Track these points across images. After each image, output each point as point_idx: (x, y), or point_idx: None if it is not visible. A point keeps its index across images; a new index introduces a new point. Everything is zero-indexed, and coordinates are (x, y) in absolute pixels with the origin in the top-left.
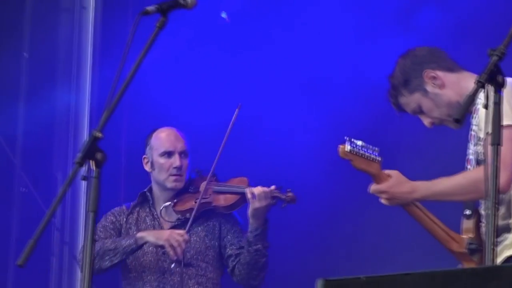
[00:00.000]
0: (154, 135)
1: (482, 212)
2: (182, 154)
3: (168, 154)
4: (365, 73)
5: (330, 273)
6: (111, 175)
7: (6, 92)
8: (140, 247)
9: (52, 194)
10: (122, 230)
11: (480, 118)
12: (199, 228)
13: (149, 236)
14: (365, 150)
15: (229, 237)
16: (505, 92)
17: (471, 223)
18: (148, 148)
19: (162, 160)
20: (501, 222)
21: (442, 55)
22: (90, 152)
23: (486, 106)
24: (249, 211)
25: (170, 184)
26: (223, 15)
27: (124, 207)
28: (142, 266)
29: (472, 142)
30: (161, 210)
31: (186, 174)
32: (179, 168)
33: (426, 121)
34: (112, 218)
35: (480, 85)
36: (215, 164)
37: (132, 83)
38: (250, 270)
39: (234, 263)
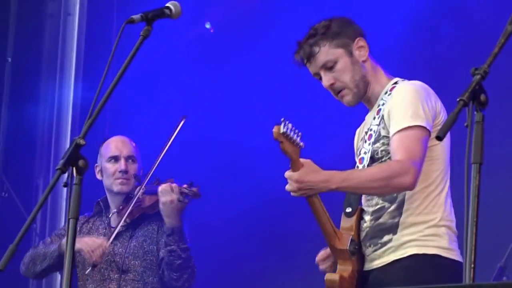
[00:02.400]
0: (104, 143)
1: (365, 208)
2: (129, 159)
3: (114, 158)
4: None
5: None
6: (92, 182)
7: None
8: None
9: (33, 199)
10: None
11: (386, 119)
12: (140, 233)
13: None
14: (293, 133)
15: (163, 240)
16: (417, 93)
17: (353, 220)
18: (99, 156)
19: (108, 165)
20: (388, 221)
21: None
22: (72, 159)
23: (468, 125)
24: (160, 208)
25: (116, 187)
26: (207, 25)
27: (84, 216)
28: (86, 274)
29: (370, 140)
30: (109, 218)
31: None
32: (124, 172)
33: (328, 81)
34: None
35: (463, 103)
36: (153, 170)
37: (115, 91)
38: (169, 272)
39: (162, 266)
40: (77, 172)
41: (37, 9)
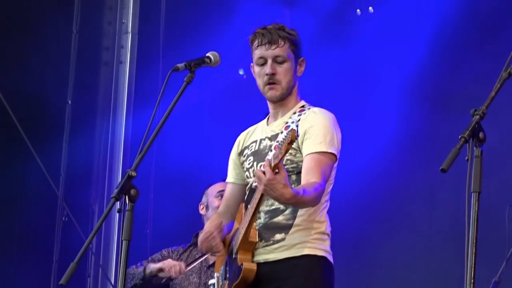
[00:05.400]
0: (211, 187)
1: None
2: None
3: (222, 195)
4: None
5: None
6: (140, 208)
7: (52, 134)
8: (149, 275)
9: (89, 223)
10: None
11: (300, 135)
12: None
13: (152, 264)
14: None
15: None
16: (333, 123)
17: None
18: (204, 196)
19: (216, 200)
20: (282, 221)
21: None
22: (125, 189)
23: (468, 159)
24: None
25: None
26: (241, 72)
27: (181, 247)
28: None
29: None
30: None
31: None
32: None
33: (272, 70)
34: (165, 253)
35: (464, 140)
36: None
37: (161, 130)
38: None
39: None
40: (129, 200)
41: (93, 58)
